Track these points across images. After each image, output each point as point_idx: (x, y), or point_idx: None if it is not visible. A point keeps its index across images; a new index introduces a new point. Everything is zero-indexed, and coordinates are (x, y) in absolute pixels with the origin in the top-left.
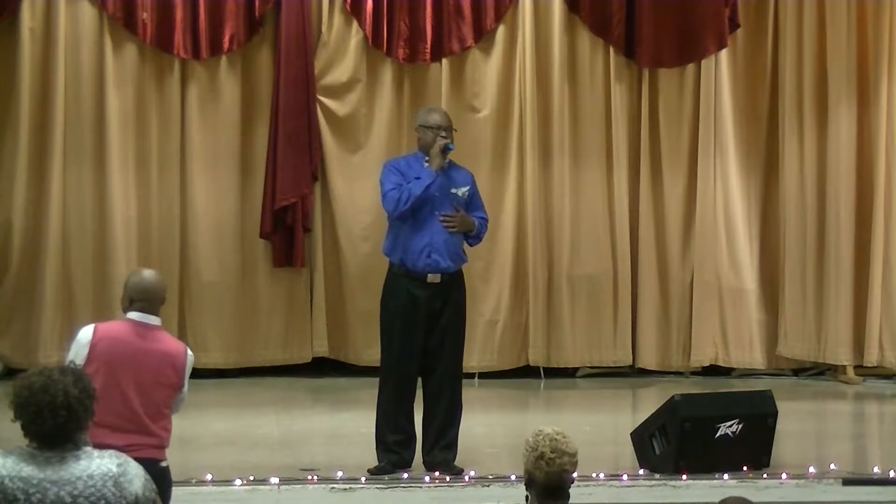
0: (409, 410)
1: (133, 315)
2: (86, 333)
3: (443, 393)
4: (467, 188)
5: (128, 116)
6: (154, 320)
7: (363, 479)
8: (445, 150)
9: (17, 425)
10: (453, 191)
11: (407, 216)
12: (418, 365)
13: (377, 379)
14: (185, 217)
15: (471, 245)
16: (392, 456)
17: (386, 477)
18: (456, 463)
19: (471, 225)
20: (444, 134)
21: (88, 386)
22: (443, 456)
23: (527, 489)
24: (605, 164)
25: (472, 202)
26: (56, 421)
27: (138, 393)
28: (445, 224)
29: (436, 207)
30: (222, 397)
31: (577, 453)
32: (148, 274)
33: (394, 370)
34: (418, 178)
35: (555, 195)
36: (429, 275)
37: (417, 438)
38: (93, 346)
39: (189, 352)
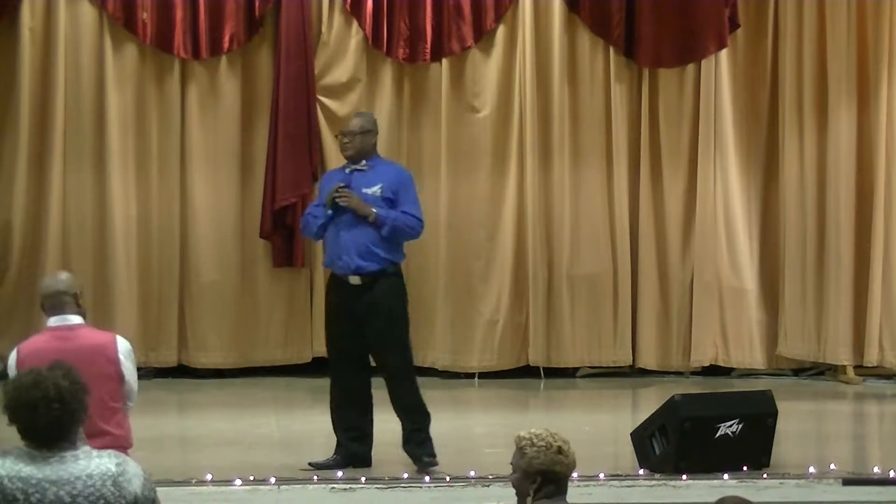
0: (359, 407)
1: (51, 321)
2: (12, 358)
3: (394, 393)
4: (378, 187)
5: (128, 116)
6: (74, 319)
7: (363, 479)
8: (336, 206)
9: (15, 427)
10: (365, 190)
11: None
12: (356, 364)
13: (378, 379)
14: (185, 217)
15: (387, 238)
16: (341, 450)
17: (386, 477)
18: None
19: (364, 209)
20: (346, 140)
21: (79, 379)
22: (411, 451)
23: (536, 492)
24: (605, 164)
25: (399, 201)
26: (51, 414)
27: None
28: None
29: (347, 209)
30: (222, 397)
31: None
32: (51, 275)
33: (332, 369)
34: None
35: (555, 195)
36: (349, 277)
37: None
38: (19, 367)
39: (120, 339)
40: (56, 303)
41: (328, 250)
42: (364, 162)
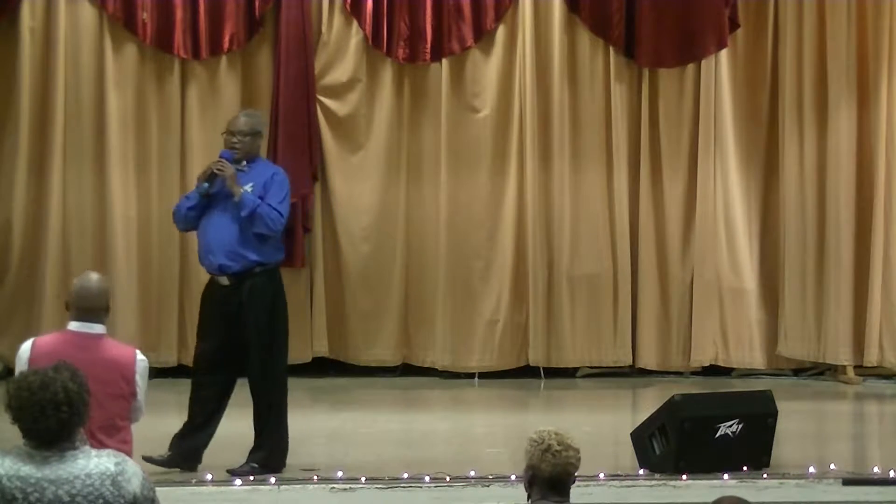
0: (204, 408)
1: (72, 325)
2: (25, 349)
3: (254, 397)
4: (250, 185)
5: (128, 116)
6: (97, 328)
7: (363, 478)
8: (212, 176)
9: (17, 426)
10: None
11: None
12: (218, 365)
13: (378, 379)
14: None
15: (255, 230)
16: (172, 449)
17: (386, 477)
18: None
19: (235, 187)
20: (234, 140)
21: (84, 381)
22: (250, 457)
23: (529, 487)
24: (605, 165)
25: (266, 196)
26: (59, 417)
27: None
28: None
29: (217, 205)
30: None
31: (580, 451)
32: (89, 279)
33: (194, 366)
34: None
35: (555, 195)
36: (218, 277)
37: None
38: (31, 362)
39: (140, 356)
40: (84, 309)
41: (198, 247)
42: (244, 163)
